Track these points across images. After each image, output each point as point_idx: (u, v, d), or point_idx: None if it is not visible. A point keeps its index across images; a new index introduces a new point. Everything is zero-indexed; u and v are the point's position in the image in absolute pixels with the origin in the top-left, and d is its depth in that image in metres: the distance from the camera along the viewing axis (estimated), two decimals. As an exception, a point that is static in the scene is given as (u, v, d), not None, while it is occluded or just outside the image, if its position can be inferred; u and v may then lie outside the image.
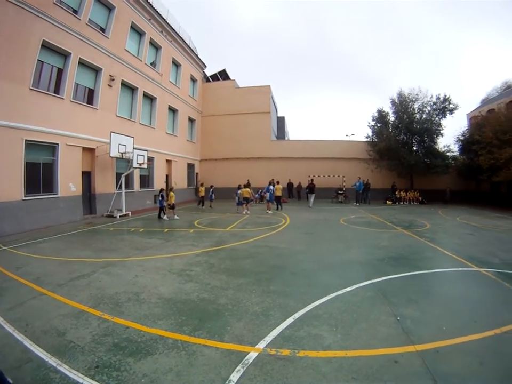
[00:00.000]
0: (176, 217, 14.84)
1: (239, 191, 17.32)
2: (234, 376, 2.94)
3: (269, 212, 17.22)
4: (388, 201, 24.04)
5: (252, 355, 3.31)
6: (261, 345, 3.51)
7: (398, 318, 4.17)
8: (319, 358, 3.28)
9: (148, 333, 3.82)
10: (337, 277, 6.08)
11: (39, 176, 12.25)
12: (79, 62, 13.93)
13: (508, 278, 5.80)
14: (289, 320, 4.12)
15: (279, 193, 18.69)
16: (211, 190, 20.47)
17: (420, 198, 24.08)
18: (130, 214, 15.96)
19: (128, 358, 3.26)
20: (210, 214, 16.86)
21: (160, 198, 14.93)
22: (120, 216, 15.12)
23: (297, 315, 4.28)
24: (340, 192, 24.47)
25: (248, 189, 17.16)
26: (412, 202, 23.93)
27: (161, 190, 15.32)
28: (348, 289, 5.28)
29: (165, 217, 14.80)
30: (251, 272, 6.42)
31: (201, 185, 20.71)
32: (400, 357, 3.27)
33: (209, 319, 4.20)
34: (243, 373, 3.00)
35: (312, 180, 22.00)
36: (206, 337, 3.71)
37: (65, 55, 13.36)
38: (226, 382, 2.85)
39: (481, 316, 4.29)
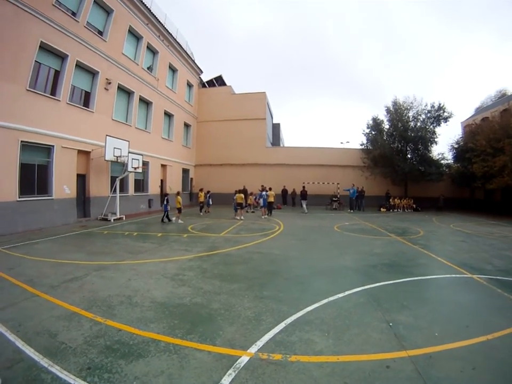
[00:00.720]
0: (180, 221, 15.01)
1: (235, 197, 17.37)
2: (226, 380, 2.94)
3: (264, 217, 17.51)
4: (382, 209, 24.13)
5: (244, 359, 3.31)
6: (253, 349, 3.51)
7: (391, 324, 4.19)
8: (310, 362, 3.29)
9: (140, 335, 3.80)
10: (330, 283, 6.10)
11: (34, 177, 12.22)
12: (76, 64, 13.98)
13: (500, 284, 5.86)
14: (281, 325, 4.12)
15: (271, 200, 18.91)
16: (208, 195, 20.32)
17: (414, 206, 24.25)
18: (124, 218, 15.92)
19: (119, 360, 3.25)
20: (205, 219, 16.84)
21: (166, 203, 15.07)
22: (114, 219, 15.08)
23: (289, 320, 4.29)
24: (334, 199, 24.53)
25: (242, 195, 17.19)
26: (406, 210, 24.06)
27: (166, 194, 15.43)
28: (341, 295, 5.29)
29: (179, 221, 15.00)
30: (244, 278, 6.41)
31: (201, 190, 19.83)
32: (392, 362, 3.28)
33: (201, 323, 4.19)
34: (234, 376, 3.00)
35: (303, 187, 22.25)
36: (198, 341, 3.70)
37: (62, 57, 13.40)
38: (218, 386, 2.85)
39: (474, 321, 4.32)
